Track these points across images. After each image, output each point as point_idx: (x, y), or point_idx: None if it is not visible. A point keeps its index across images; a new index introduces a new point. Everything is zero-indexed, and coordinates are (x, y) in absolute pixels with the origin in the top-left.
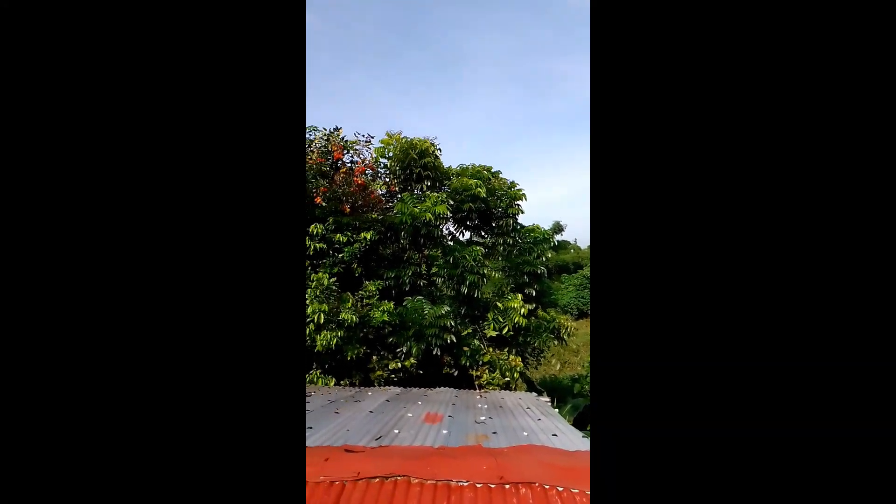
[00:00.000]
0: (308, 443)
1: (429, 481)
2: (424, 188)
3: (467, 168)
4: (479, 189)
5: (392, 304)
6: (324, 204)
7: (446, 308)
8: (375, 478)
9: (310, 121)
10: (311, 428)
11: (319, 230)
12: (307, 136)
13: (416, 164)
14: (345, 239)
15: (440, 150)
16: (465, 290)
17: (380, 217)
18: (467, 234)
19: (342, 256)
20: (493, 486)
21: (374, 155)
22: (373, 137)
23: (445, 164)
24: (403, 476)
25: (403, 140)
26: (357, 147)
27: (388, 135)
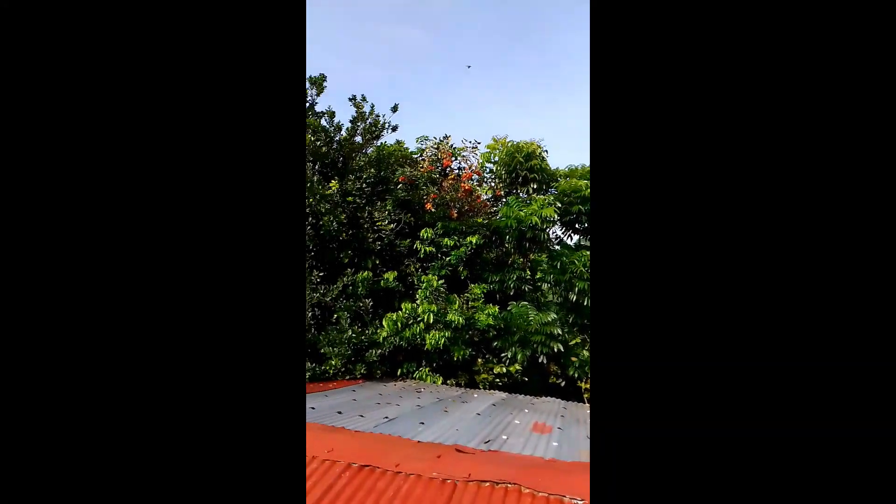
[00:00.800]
0: (420, 438)
1: (541, 493)
2: (530, 191)
3: (577, 169)
4: (588, 190)
5: (497, 309)
6: (433, 210)
7: (553, 315)
8: (486, 482)
9: (421, 131)
10: (422, 424)
11: (429, 234)
12: (419, 145)
13: (521, 167)
14: (451, 243)
15: (547, 151)
16: (573, 297)
17: (485, 221)
18: (576, 238)
19: (449, 260)
20: None
21: (481, 160)
22: (479, 143)
23: (553, 166)
24: (514, 484)
25: (509, 144)
26: (464, 153)
27: (493, 139)
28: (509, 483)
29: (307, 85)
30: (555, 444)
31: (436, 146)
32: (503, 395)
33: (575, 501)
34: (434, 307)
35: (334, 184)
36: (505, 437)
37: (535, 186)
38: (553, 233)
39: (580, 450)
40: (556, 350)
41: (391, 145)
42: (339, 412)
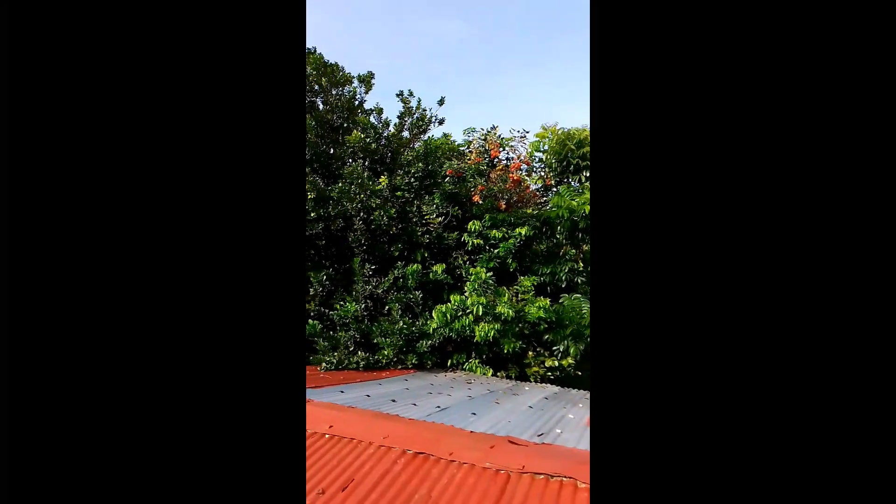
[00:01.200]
0: (472, 428)
1: None
2: (583, 179)
3: None
4: None
5: (548, 301)
6: (481, 202)
7: None
8: (541, 474)
9: (468, 123)
10: (474, 414)
11: (477, 227)
12: (466, 137)
13: (573, 154)
14: (500, 235)
15: None
16: None
17: (535, 212)
18: None
19: (498, 252)
20: None
21: (529, 150)
22: (528, 132)
23: None
24: (570, 478)
25: (559, 131)
26: (512, 143)
27: (543, 128)
28: (565, 476)
29: (356, 84)
30: None
31: (483, 137)
32: (555, 388)
33: None
34: (483, 299)
35: (384, 179)
36: (559, 430)
37: (587, 175)
38: None
39: None
40: None
41: (438, 139)
42: (393, 400)
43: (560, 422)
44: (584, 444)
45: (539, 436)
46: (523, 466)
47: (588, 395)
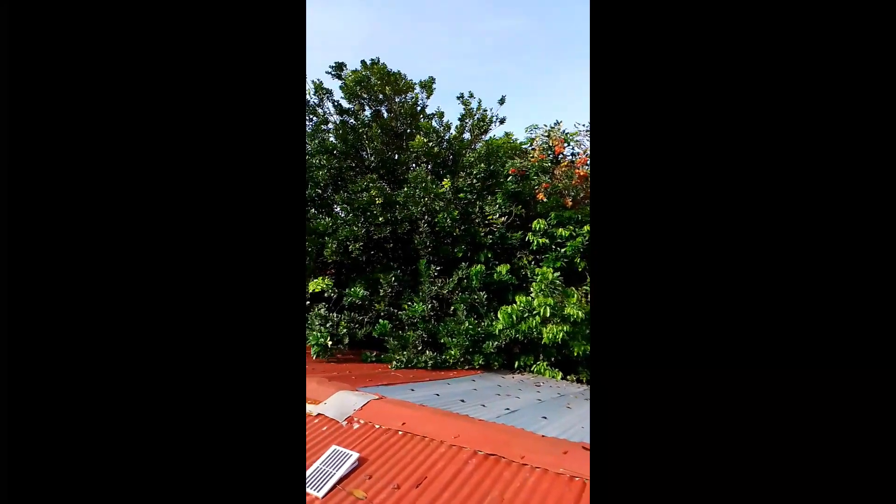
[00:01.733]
0: (543, 432)
1: None
2: None
3: None
4: None
5: None
6: (545, 200)
7: None
8: None
9: (531, 120)
10: (545, 418)
11: (542, 226)
12: (528, 135)
13: None
14: (566, 233)
15: None
16: None
17: None
18: None
19: (564, 251)
20: None
21: None
22: None
23: None
24: None
25: None
26: (577, 138)
27: None
28: None
29: (418, 90)
30: None
31: (546, 133)
32: None
33: None
34: (550, 300)
35: (447, 182)
36: None
37: None
38: None
39: None
40: None
41: (499, 139)
42: (462, 400)
43: None
44: None
45: None
46: None
47: None
